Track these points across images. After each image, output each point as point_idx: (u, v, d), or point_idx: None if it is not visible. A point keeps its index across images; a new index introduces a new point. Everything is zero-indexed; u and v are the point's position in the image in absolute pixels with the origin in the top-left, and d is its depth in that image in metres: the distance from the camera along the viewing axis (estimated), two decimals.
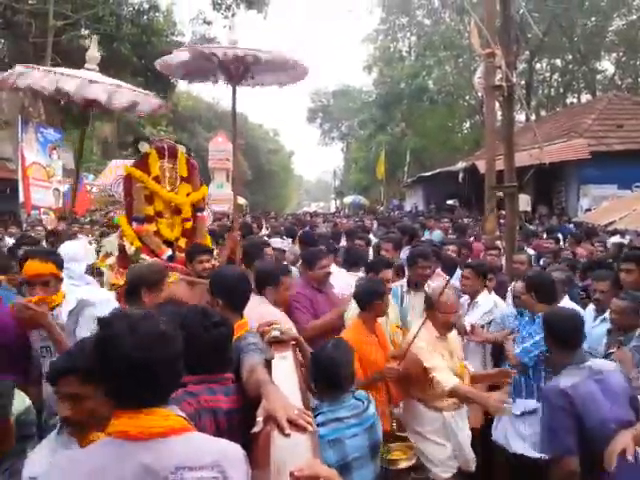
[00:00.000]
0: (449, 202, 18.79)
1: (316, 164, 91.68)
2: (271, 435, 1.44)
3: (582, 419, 2.45)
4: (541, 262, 6.75)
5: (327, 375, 2.51)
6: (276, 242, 6.18)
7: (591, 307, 4.02)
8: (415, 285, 4.27)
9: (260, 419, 1.55)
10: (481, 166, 9.86)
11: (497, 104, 7.62)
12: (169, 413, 1.39)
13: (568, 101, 29.34)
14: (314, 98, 49.44)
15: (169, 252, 4.57)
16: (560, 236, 8.95)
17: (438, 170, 21.12)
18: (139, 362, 1.33)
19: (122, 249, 4.54)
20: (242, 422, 1.84)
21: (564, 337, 2.71)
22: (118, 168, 13.16)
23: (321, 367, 2.54)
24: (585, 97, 27.97)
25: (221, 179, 18.37)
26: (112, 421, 1.37)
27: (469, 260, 5.70)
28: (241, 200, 17.76)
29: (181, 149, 4.90)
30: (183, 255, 4.58)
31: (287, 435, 1.46)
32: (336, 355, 2.55)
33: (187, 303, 2.80)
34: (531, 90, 26.69)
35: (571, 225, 11.19)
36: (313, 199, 78.94)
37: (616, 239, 8.44)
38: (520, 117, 23.39)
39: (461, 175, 17.25)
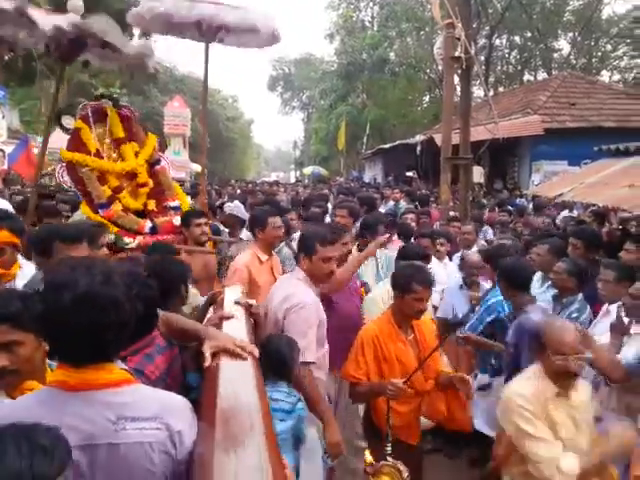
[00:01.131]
0: (408, 174, 18.98)
1: (276, 134, 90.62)
2: (218, 369, 1.44)
3: None
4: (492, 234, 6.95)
5: (275, 361, 2.50)
6: (229, 207, 6.03)
7: (538, 274, 4.18)
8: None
9: (208, 353, 1.53)
10: (439, 139, 9.95)
11: (456, 78, 7.70)
12: (113, 367, 1.37)
13: (525, 78, 29.87)
14: (276, 65, 48.53)
15: (149, 224, 4.37)
16: (512, 209, 9.25)
17: (397, 142, 21.23)
18: (83, 324, 1.28)
19: None
20: (177, 376, 1.84)
21: (518, 280, 3.29)
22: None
23: (272, 351, 2.51)
24: (541, 75, 28.53)
25: (178, 145, 17.80)
26: (54, 371, 1.34)
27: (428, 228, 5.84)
28: (198, 167, 17.34)
29: (108, 104, 4.53)
30: (162, 220, 4.40)
31: (244, 358, 1.46)
32: (293, 347, 2.59)
33: None
34: (490, 66, 27.00)
35: (522, 199, 11.53)
36: (272, 169, 78.22)
37: (565, 213, 8.79)
38: (479, 92, 23.74)
39: (419, 148, 17.39)
